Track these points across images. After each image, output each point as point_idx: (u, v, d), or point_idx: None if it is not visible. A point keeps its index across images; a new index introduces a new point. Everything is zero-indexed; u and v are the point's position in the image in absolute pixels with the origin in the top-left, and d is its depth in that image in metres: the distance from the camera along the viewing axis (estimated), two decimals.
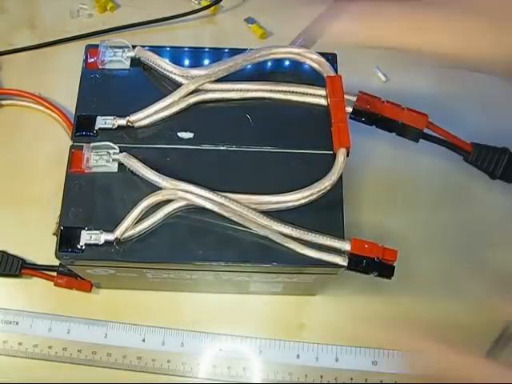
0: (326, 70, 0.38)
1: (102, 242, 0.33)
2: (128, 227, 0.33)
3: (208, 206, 0.34)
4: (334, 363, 0.41)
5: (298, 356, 0.42)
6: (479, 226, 0.46)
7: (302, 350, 0.42)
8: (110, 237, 0.33)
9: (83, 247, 0.33)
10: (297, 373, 0.41)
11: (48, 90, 0.49)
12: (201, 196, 0.34)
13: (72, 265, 0.37)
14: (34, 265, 0.43)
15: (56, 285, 0.42)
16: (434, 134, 0.39)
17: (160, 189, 0.34)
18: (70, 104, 0.45)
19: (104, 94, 0.38)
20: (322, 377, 0.41)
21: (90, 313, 0.43)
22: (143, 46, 0.39)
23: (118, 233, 0.33)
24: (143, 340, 0.42)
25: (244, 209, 0.34)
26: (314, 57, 0.38)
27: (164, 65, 0.38)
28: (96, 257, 0.34)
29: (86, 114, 0.37)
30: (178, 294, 0.43)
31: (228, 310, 0.44)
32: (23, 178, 0.46)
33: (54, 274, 0.42)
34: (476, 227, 0.46)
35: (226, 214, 0.34)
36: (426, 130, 0.38)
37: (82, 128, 0.36)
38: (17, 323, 0.42)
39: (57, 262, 0.40)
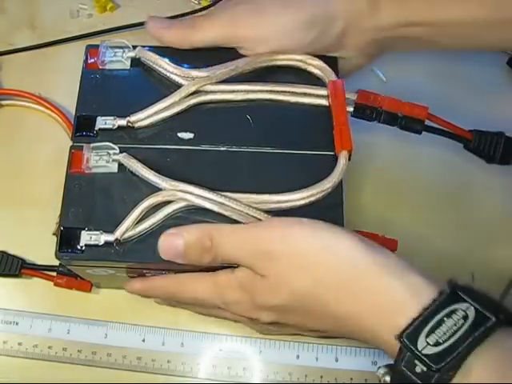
0: (327, 74, 0.38)
1: (102, 242, 0.33)
2: (128, 228, 0.33)
3: (208, 205, 0.34)
4: (334, 363, 0.41)
5: (297, 356, 0.42)
6: (481, 223, 0.46)
7: (302, 350, 0.42)
8: (110, 237, 0.33)
9: (83, 248, 0.33)
10: (297, 373, 0.41)
11: (48, 90, 0.49)
12: (200, 196, 0.34)
13: (72, 265, 0.37)
14: (34, 265, 0.43)
15: (56, 285, 0.42)
16: (434, 126, 0.39)
17: (160, 190, 0.34)
18: (70, 104, 0.45)
19: (104, 95, 0.38)
20: (321, 377, 0.41)
21: (89, 313, 0.42)
22: (143, 46, 0.39)
23: (118, 233, 0.33)
24: (143, 340, 0.42)
25: (244, 207, 0.34)
26: (316, 63, 0.38)
27: (165, 65, 0.37)
28: (96, 257, 0.34)
29: (86, 114, 0.37)
30: None
31: None
32: (23, 178, 0.46)
33: (54, 274, 0.42)
34: (478, 225, 0.46)
35: (225, 213, 0.33)
36: (426, 123, 0.39)
37: (82, 128, 0.36)
38: (17, 323, 0.42)
39: (57, 262, 0.40)
